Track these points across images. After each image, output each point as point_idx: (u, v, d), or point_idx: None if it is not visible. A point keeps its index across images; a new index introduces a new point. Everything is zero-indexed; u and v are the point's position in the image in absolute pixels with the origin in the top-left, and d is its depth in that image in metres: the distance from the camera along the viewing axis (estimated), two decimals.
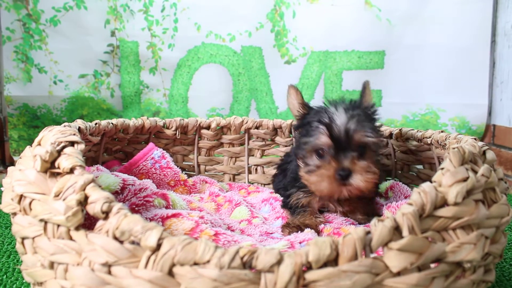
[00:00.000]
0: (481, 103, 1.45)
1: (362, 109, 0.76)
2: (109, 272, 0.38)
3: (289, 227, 0.74)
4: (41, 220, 0.42)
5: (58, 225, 0.41)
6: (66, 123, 0.69)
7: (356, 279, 0.35)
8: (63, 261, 0.40)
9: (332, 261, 0.36)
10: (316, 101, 1.52)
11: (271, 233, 0.74)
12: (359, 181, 0.68)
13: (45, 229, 0.42)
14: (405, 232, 0.38)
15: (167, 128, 1.10)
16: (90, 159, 0.92)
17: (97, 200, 0.41)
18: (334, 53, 1.49)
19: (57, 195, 0.43)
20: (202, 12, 1.48)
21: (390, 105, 1.50)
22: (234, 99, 1.53)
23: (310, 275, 0.36)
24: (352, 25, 1.47)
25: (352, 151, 0.70)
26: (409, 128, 0.95)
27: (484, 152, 0.52)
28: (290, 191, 0.82)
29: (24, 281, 0.63)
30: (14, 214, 0.47)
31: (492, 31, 1.42)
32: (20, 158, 0.53)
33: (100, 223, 0.40)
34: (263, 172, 1.16)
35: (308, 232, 0.68)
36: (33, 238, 0.44)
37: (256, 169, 1.16)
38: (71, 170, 0.45)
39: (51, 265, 0.41)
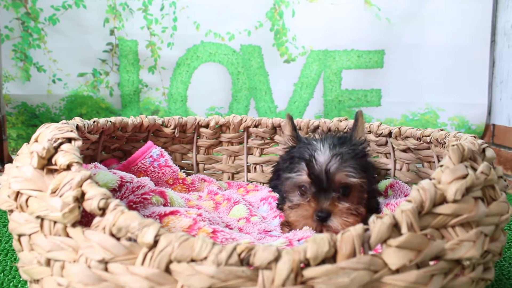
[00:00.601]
0: (481, 103, 1.45)
1: (351, 145, 0.73)
2: (106, 269, 0.37)
3: (288, 225, 0.74)
4: (37, 217, 0.42)
5: (55, 222, 0.41)
6: (64, 121, 0.69)
7: (354, 276, 0.35)
8: (59, 258, 0.40)
9: (330, 258, 0.36)
10: (315, 100, 1.52)
11: (270, 231, 0.73)
12: (337, 224, 0.65)
13: (41, 226, 0.42)
14: (404, 229, 0.37)
15: (166, 126, 1.10)
16: (88, 157, 0.92)
17: (94, 196, 0.40)
18: (333, 52, 1.49)
19: (53, 192, 0.43)
20: (201, 10, 1.48)
21: (389, 104, 1.50)
22: (233, 98, 1.53)
23: (308, 272, 0.35)
24: (351, 24, 1.47)
25: (333, 191, 0.67)
26: (408, 127, 0.95)
27: (483, 150, 0.52)
28: (282, 207, 0.80)
29: (21, 279, 0.63)
30: (11, 211, 0.47)
31: (492, 31, 1.42)
32: (18, 155, 0.53)
33: (97, 219, 0.40)
34: (262, 171, 1.15)
35: (307, 230, 0.68)
36: (29, 235, 0.43)
37: (255, 168, 1.16)
38: (68, 167, 0.45)
39: (48, 262, 0.41)
